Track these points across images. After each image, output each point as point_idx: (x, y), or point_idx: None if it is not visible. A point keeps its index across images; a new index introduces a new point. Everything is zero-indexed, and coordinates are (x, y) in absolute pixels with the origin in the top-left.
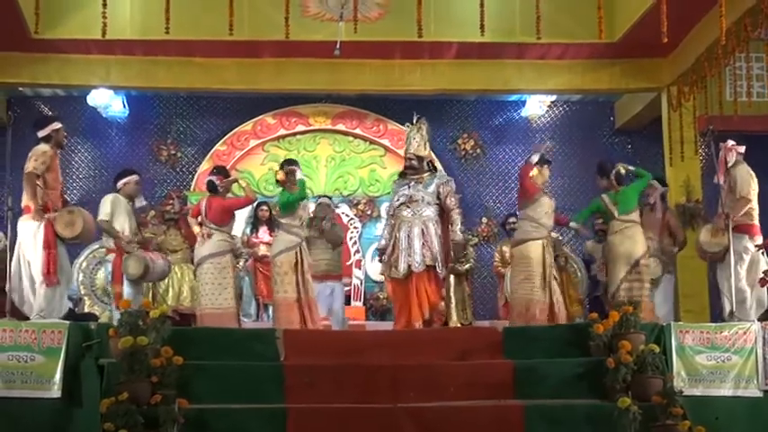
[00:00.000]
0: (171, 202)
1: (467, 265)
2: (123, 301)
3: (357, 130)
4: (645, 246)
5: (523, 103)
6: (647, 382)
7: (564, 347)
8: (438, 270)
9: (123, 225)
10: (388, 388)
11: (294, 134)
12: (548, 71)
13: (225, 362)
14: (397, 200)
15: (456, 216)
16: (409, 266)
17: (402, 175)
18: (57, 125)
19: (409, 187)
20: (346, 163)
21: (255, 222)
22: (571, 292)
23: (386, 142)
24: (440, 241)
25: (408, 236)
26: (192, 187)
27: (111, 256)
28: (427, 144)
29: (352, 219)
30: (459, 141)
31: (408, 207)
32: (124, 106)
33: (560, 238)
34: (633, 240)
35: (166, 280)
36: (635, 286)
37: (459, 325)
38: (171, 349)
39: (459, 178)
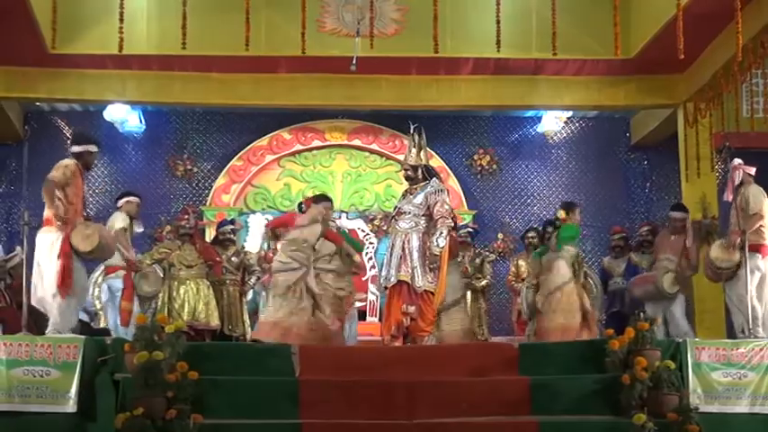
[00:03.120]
0: (186, 217)
1: (483, 282)
2: (139, 316)
3: (373, 146)
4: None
5: (539, 119)
6: (662, 398)
7: (580, 364)
8: (417, 284)
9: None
10: (404, 404)
11: (310, 149)
12: (564, 87)
13: (240, 377)
14: (394, 213)
15: (439, 226)
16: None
17: (404, 190)
18: (93, 148)
19: (403, 198)
20: (362, 178)
21: (273, 236)
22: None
23: (402, 158)
24: (422, 254)
25: (392, 249)
26: (208, 202)
27: (117, 274)
28: (423, 152)
29: (367, 234)
30: (475, 157)
31: (396, 220)
32: (141, 121)
33: (581, 254)
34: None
35: (182, 295)
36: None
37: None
38: (186, 364)
39: (475, 194)
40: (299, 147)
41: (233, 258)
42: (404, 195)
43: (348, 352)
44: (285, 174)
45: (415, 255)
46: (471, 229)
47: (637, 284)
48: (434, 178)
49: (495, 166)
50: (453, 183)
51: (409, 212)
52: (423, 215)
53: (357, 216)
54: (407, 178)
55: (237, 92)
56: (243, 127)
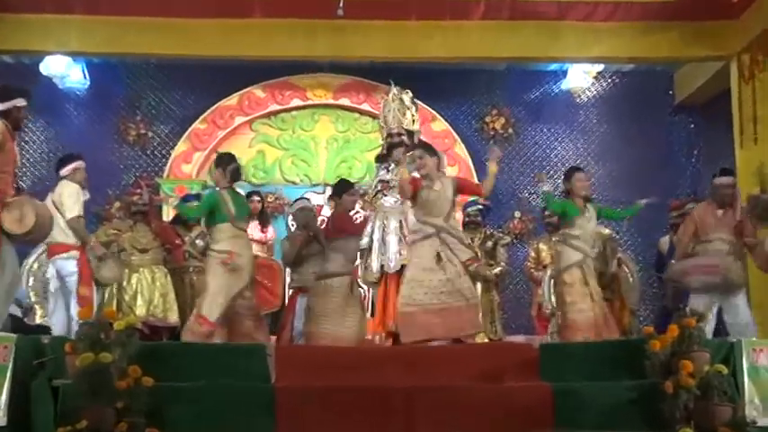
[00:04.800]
0: (139, 191)
1: (496, 270)
2: (82, 309)
3: (364, 106)
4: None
5: (564, 73)
6: (712, 410)
7: (613, 368)
8: None
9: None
10: (401, 414)
11: (288, 110)
12: (593, 35)
13: (204, 383)
14: (375, 187)
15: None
16: (382, 267)
17: (382, 157)
18: (21, 101)
19: (388, 171)
20: (351, 145)
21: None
22: (623, 299)
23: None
24: None
25: (383, 230)
26: (166, 173)
27: (70, 254)
28: (415, 117)
29: (358, 213)
30: (488, 119)
31: (385, 195)
32: (84, 76)
33: (615, 236)
34: None
35: (134, 285)
36: None
37: (486, 340)
38: (139, 368)
39: (486, 164)
40: (274, 107)
41: (197, 241)
42: (385, 168)
43: (334, 353)
44: (258, 139)
45: None
46: (481, 207)
47: (691, 273)
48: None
49: (510, 131)
50: (460, 150)
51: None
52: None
53: None
54: (398, 145)
55: (201, 41)
56: (207, 83)
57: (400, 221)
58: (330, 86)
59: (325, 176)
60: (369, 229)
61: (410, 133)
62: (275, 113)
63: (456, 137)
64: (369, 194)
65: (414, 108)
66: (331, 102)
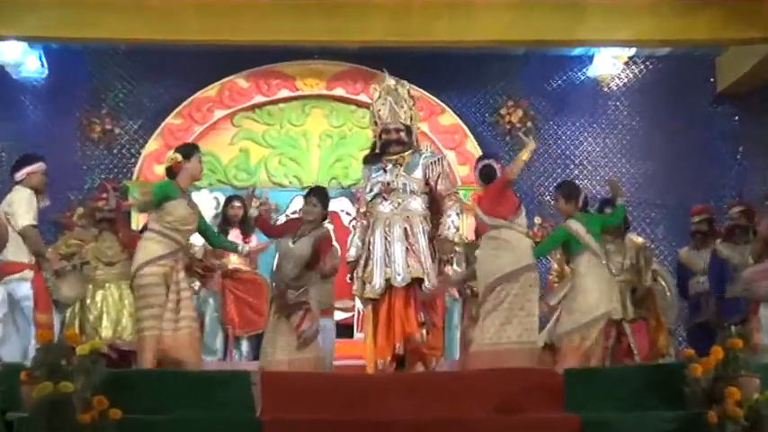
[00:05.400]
0: (105, 195)
1: None
2: (41, 332)
3: (362, 97)
4: None
5: (591, 59)
6: None
7: (649, 396)
8: (427, 286)
9: None
10: None
11: (275, 102)
12: (623, 15)
13: (180, 417)
14: (370, 190)
15: (450, 204)
16: (388, 281)
17: (372, 157)
18: None
19: (385, 172)
20: (347, 142)
21: (224, 224)
22: (659, 317)
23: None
24: (431, 245)
25: (386, 238)
26: (136, 175)
27: (22, 275)
28: (414, 111)
29: (354, 220)
30: (503, 112)
31: (386, 199)
32: (42, 65)
33: (649, 245)
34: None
35: (100, 303)
36: None
37: None
38: (105, 399)
39: (501, 162)
40: (259, 98)
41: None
42: (380, 168)
43: (329, 380)
44: (241, 135)
45: (424, 245)
46: None
47: (759, 280)
48: (426, 143)
49: (529, 124)
50: (472, 146)
51: (404, 188)
52: (424, 193)
53: (340, 194)
54: (395, 144)
55: (176, 23)
56: (183, 72)
57: (405, 228)
58: (323, 75)
59: (318, 178)
60: (359, 238)
61: (408, 129)
62: (260, 106)
63: (467, 132)
64: (362, 199)
65: (411, 101)
66: (324, 92)
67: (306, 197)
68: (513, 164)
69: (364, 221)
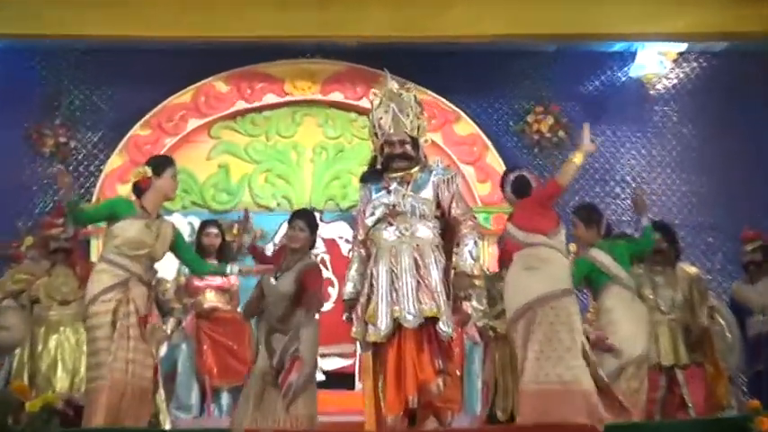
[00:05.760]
0: (60, 221)
1: None
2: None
3: (362, 102)
4: None
5: (633, 56)
6: None
7: None
8: (442, 328)
9: None
10: None
11: (260, 109)
12: (671, 3)
13: None
14: (371, 214)
15: (467, 230)
16: (395, 321)
17: (372, 174)
18: None
19: (389, 192)
20: (346, 155)
21: (199, 254)
22: (717, 363)
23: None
24: (446, 279)
25: (392, 271)
26: (96, 196)
27: None
28: (422, 120)
29: (352, 249)
30: (530, 119)
31: (391, 225)
32: None
33: (704, 276)
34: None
35: (53, 350)
36: None
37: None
38: None
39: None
40: (241, 105)
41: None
42: (383, 189)
43: None
44: (220, 149)
45: (437, 278)
46: None
47: None
48: (437, 158)
49: (561, 134)
50: (493, 160)
51: (413, 211)
52: (433, 216)
53: (337, 217)
54: (399, 158)
55: (143, 17)
56: (151, 74)
57: (414, 259)
58: (316, 76)
59: (312, 198)
60: (358, 271)
61: (414, 141)
62: (242, 114)
63: (488, 143)
64: (362, 225)
65: (419, 108)
66: (318, 97)
67: (290, 221)
68: (565, 169)
69: (363, 251)
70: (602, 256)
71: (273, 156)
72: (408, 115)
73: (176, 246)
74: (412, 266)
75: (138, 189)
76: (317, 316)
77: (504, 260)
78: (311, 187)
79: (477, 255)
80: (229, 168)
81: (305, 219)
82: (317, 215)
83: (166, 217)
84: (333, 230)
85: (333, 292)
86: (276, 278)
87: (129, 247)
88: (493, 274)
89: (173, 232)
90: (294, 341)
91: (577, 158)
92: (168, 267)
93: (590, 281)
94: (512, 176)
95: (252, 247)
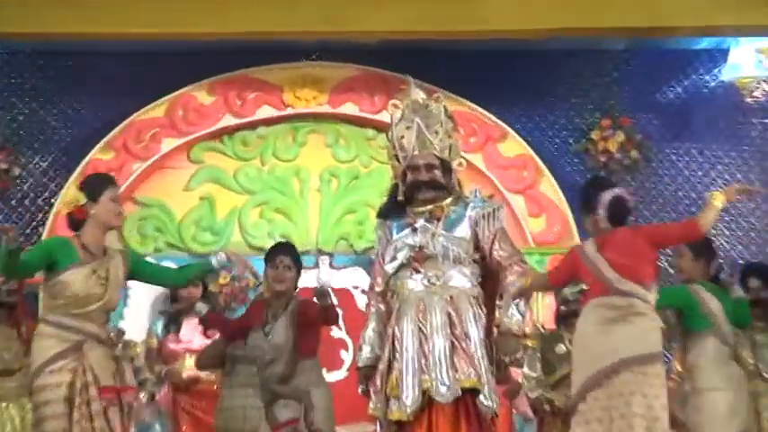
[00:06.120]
0: None
1: None
2: None
3: (382, 116)
4: None
5: (725, 54)
6: None
7: None
8: (484, 402)
9: None
10: None
11: (253, 125)
12: None
13: None
14: (392, 258)
15: (513, 279)
16: (425, 393)
17: (393, 208)
18: None
19: (414, 230)
20: (362, 183)
21: (176, 313)
22: None
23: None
24: (489, 340)
25: (420, 330)
26: (45, 234)
27: None
28: (454, 138)
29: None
30: (595, 136)
31: (418, 272)
32: None
33: None
34: None
35: None
36: None
37: None
38: None
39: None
40: (230, 120)
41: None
42: (406, 225)
43: None
44: (203, 176)
45: (476, 339)
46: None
47: None
48: (475, 186)
49: (635, 154)
50: (549, 187)
51: (445, 254)
52: (471, 260)
53: (351, 261)
54: (427, 186)
55: (106, 12)
56: (116, 82)
57: (448, 315)
58: (324, 84)
59: (320, 238)
60: (376, 331)
61: (445, 165)
62: (231, 131)
63: (541, 166)
64: (381, 272)
65: (450, 123)
66: (326, 110)
67: (271, 258)
68: (706, 214)
69: (383, 306)
70: (707, 296)
71: (270, 184)
72: (437, 132)
73: (136, 271)
74: (445, 324)
75: (74, 222)
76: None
77: (566, 319)
78: (318, 224)
79: (526, 308)
80: (214, 201)
81: (291, 254)
82: (326, 259)
83: None
84: (345, 279)
85: (346, 357)
86: (266, 332)
87: (76, 305)
88: (549, 333)
89: (123, 262)
90: (308, 411)
91: (718, 200)
92: (137, 326)
93: (684, 319)
94: (609, 196)
95: (210, 317)
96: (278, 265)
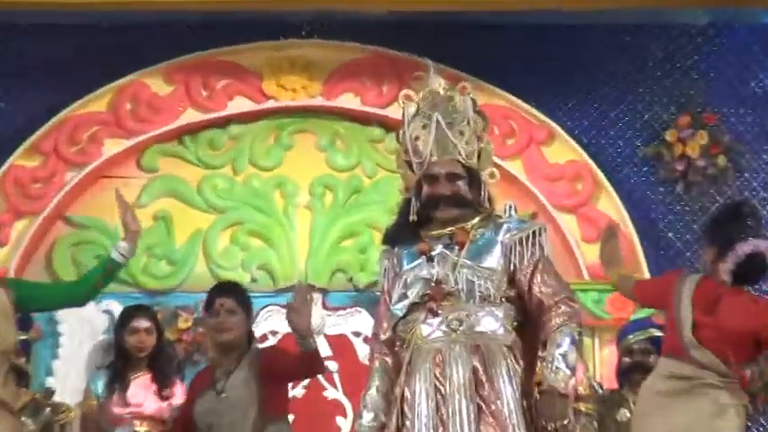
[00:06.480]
0: None
1: None
2: None
3: (391, 110)
4: None
5: None
6: None
7: None
8: None
9: None
10: None
11: (223, 122)
12: None
13: None
14: (401, 297)
15: (560, 322)
16: None
17: (402, 230)
18: None
19: (430, 260)
20: (365, 198)
21: (121, 361)
22: None
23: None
24: (527, 401)
25: (438, 390)
26: None
27: None
28: (485, 140)
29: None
30: (669, 137)
31: (434, 314)
32: None
33: None
34: None
35: None
36: None
37: None
38: None
39: (669, 233)
40: (193, 116)
41: (25, 419)
42: (421, 251)
43: None
44: (157, 188)
45: (511, 400)
46: (657, 335)
47: None
48: (510, 202)
49: (722, 160)
50: (609, 203)
51: (471, 293)
52: (504, 298)
53: (351, 300)
54: (448, 202)
55: None
56: (45, 66)
57: (474, 370)
58: (316, 68)
59: (311, 271)
60: (380, 390)
61: (472, 175)
62: (194, 130)
63: (600, 177)
64: (388, 317)
65: (480, 121)
66: (319, 102)
67: (210, 303)
68: None
69: (389, 359)
70: None
71: (245, 200)
72: (463, 133)
73: (23, 297)
74: (469, 382)
75: None
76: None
77: (633, 374)
78: (308, 251)
79: (575, 361)
80: (172, 221)
81: (233, 294)
82: (318, 297)
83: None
84: (343, 323)
85: (343, 424)
86: (219, 392)
87: None
88: (609, 394)
89: (4, 291)
90: None
91: None
92: (70, 384)
93: None
94: (748, 249)
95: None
96: (218, 310)
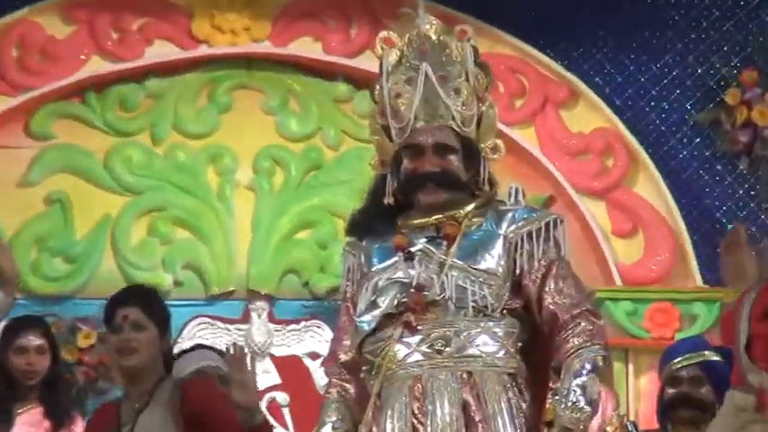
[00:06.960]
0: None
1: None
2: None
3: (362, 60)
4: None
5: None
6: None
7: None
8: None
9: None
10: None
11: (139, 75)
12: None
13: None
14: (369, 306)
15: (579, 342)
16: None
17: (371, 219)
18: None
19: (410, 258)
20: (326, 176)
21: (3, 395)
22: None
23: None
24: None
25: (420, 425)
26: None
27: None
28: (487, 101)
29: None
30: (729, 99)
31: (413, 330)
32: None
33: None
34: None
35: None
36: None
37: None
38: None
39: (725, 221)
40: (100, 65)
41: None
42: (396, 245)
43: None
44: (52, 160)
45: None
46: (717, 359)
47: None
48: (517, 188)
49: None
50: (649, 187)
51: (462, 303)
52: (505, 310)
53: (306, 311)
54: (433, 180)
55: None
56: None
57: (465, 404)
58: (263, 5)
59: (254, 273)
60: (335, 429)
61: (468, 145)
62: (102, 86)
63: (637, 149)
64: (353, 333)
65: (482, 76)
66: (266, 49)
67: (110, 315)
68: None
69: (352, 388)
70: None
71: (168, 177)
72: (460, 91)
73: None
74: (458, 420)
75: None
76: None
77: (678, 392)
78: (250, 246)
79: (597, 391)
80: (71, 204)
81: (141, 303)
82: (263, 306)
83: None
84: (296, 341)
85: None
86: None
87: None
88: None
89: None
90: None
91: None
92: None
93: None
94: None
95: None
96: (120, 325)
